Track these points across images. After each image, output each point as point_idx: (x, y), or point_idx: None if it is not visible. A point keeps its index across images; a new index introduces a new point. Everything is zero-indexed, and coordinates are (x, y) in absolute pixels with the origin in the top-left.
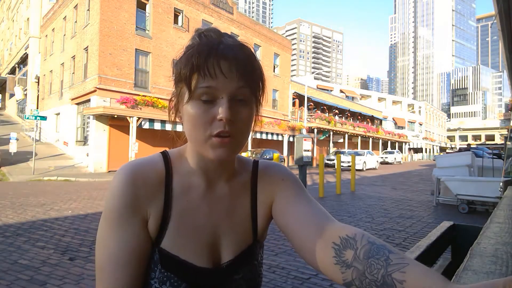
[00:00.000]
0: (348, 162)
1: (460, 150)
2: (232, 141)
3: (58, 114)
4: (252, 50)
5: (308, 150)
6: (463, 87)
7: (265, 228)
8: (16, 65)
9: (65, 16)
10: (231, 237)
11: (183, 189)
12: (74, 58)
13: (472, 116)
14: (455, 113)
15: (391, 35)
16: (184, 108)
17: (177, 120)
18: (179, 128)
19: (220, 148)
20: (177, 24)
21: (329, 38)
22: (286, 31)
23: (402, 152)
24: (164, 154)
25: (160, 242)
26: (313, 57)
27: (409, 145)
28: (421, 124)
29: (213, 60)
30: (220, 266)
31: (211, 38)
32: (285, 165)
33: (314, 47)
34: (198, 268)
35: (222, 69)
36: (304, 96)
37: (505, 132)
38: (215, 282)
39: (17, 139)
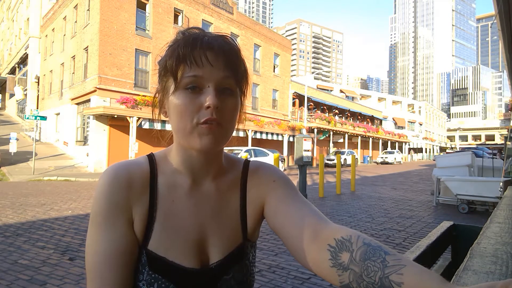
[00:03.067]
0: None
1: None
2: (219, 129)
3: (58, 114)
4: (237, 43)
5: (308, 150)
6: (463, 87)
7: (256, 228)
8: (16, 65)
9: (65, 16)
10: (219, 237)
11: (168, 189)
12: (74, 58)
13: (472, 116)
14: (455, 113)
15: (391, 35)
16: (170, 100)
17: (162, 116)
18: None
19: (208, 136)
20: (177, 24)
21: (329, 38)
22: (286, 31)
23: (402, 152)
24: (150, 156)
25: (147, 243)
26: (313, 57)
27: (409, 145)
28: (421, 124)
29: (199, 50)
30: (209, 267)
31: (195, 32)
32: (285, 165)
33: (314, 47)
34: (186, 269)
35: (208, 58)
36: (304, 96)
37: (505, 132)
38: (204, 283)
39: (17, 139)
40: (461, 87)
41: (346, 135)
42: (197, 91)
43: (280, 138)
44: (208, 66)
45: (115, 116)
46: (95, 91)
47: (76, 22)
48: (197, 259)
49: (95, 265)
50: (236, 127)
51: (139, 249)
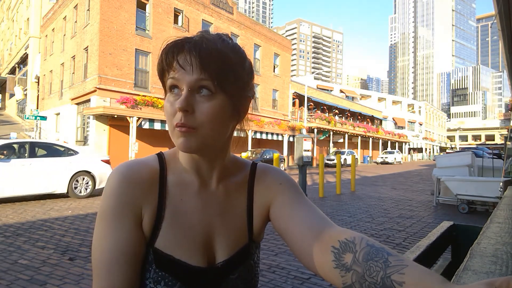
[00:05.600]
0: None
1: None
2: (193, 132)
3: (58, 114)
4: (219, 42)
5: (308, 150)
6: (463, 87)
7: (261, 229)
8: (16, 65)
9: (65, 16)
10: (225, 236)
11: (177, 188)
12: (74, 58)
13: (472, 116)
14: (455, 113)
15: (391, 35)
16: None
17: None
18: None
19: (181, 138)
20: (177, 24)
21: (329, 38)
22: (286, 31)
23: (402, 152)
24: (159, 154)
25: (155, 241)
26: (313, 57)
27: (409, 145)
28: (421, 124)
29: (171, 55)
30: (215, 266)
31: (180, 38)
32: (285, 165)
33: (314, 47)
34: (192, 268)
35: (179, 61)
36: (304, 96)
37: (505, 132)
38: (210, 281)
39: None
40: (461, 87)
41: (346, 135)
42: (177, 95)
43: (280, 138)
44: (180, 70)
45: (115, 116)
46: (95, 91)
47: (76, 22)
48: (203, 258)
49: (102, 263)
50: (232, 128)
51: (146, 247)
